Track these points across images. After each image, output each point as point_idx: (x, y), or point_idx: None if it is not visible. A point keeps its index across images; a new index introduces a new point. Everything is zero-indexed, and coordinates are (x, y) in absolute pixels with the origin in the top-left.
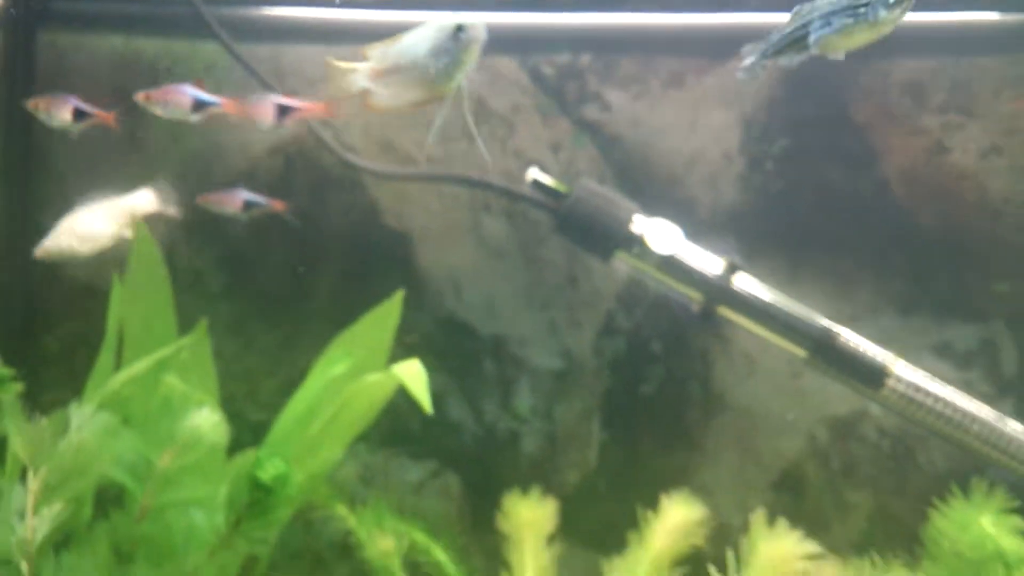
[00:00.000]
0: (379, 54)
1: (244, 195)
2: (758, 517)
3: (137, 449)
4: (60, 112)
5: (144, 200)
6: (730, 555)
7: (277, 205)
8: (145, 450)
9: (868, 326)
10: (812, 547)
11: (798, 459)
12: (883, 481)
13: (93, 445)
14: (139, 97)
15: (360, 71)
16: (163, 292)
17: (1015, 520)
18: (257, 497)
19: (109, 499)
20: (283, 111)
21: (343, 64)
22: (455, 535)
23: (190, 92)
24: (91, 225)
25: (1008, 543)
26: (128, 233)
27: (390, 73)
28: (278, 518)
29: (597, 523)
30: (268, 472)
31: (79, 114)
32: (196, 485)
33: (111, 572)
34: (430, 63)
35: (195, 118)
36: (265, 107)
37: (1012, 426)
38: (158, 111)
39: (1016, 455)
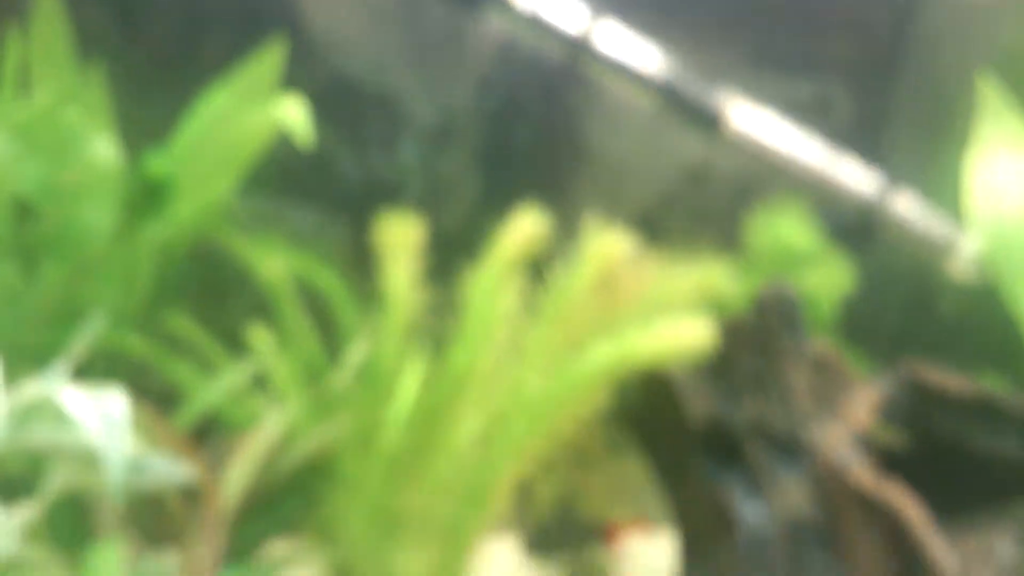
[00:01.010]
0: None
1: None
2: (589, 221)
3: (43, 171)
4: None
5: None
6: (567, 254)
7: None
8: (50, 172)
9: (725, 80)
10: (635, 242)
11: (655, 204)
12: (726, 220)
13: (4, 165)
14: None
15: None
16: (63, 43)
17: (811, 224)
18: (149, 194)
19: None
20: None
21: None
22: (341, 266)
23: None
24: None
25: (799, 241)
26: None
27: None
28: (170, 214)
29: (473, 256)
30: (156, 167)
31: None
32: (96, 198)
33: (24, 270)
34: None
35: None
36: None
37: (840, 167)
38: None
39: (843, 192)
